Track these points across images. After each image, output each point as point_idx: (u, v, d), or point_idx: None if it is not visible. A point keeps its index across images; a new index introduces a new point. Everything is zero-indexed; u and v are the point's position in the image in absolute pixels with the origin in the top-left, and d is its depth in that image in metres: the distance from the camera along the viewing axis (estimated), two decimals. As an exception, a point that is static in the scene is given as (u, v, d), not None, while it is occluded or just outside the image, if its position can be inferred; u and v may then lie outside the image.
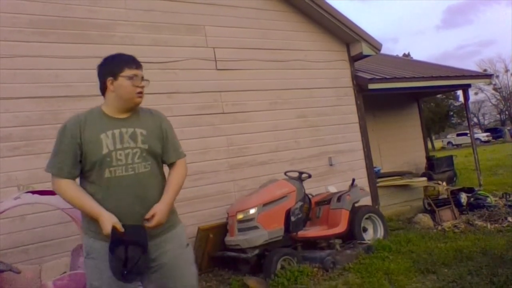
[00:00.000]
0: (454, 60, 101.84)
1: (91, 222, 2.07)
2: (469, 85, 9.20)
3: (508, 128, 43.01)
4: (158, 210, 2.07)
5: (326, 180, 6.34)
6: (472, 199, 7.09)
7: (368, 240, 5.34)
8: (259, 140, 5.88)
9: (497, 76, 46.91)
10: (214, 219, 5.16)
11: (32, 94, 4.40)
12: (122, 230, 1.98)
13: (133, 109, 2.20)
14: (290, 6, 6.45)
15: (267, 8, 6.25)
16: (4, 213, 3.45)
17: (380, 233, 5.58)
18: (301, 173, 5.20)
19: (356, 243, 5.10)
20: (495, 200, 7.17)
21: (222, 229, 4.96)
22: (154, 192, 2.16)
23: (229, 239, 4.81)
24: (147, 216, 2.07)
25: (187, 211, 4.83)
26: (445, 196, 6.90)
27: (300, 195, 4.95)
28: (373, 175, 6.99)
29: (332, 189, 5.90)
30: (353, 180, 5.80)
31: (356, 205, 5.47)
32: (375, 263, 4.48)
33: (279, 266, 4.45)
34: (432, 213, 6.68)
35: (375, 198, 6.77)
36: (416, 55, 59.87)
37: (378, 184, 7.16)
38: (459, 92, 20.16)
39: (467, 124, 10.94)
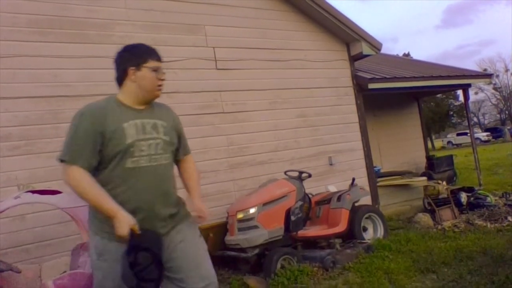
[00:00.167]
0: (454, 59, 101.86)
1: (104, 221, 1.99)
2: (469, 85, 9.20)
3: (508, 127, 43.02)
4: (203, 208, 2.18)
5: (326, 180, 6.34)
6: (472, 198, 7.09)
7: (368, 240, 5.34)
8: (259, 139, 5.88)
9: (497, 76, 46.99)
10: (214, 219, 5.15)
11: (32, 94, 4.40)
12: (139, 232, 1.91)
13: (150, 102, 2.17)
14: (290, 6, 6.44)
15: (267, 8, 6.25)
16: (4, 213, 3.45)
17: (380, 232, 5.58)
18: (301, 172, 5.20)
19: (356, 242, 5.10)
20: (495, 200, 7.17)
21: (222, 228, 4.96)
22: (171, 184, 2.16)
23: (229, 238, 4.81)
24: (196, 214, 2.16)
25: (187, 211, 4.83)
26: (445, 196, 6.90)
27: (300, 195, 4.95)
28: (373, 174, 6.99)
29: (332, 188, 5.91)
30: (353, 179, 5.81)
31: (356, 204, 5.47)
32: (375, 263, 4.48)
33: (279, 266, 4.45)
34: (432, 212, 6.69)
35: (375, 197, 6.77)
36: (416, 55, 59.91)
37: (378, 184, 7.16)
38: (459, 92, 20.13)
39: (467, 124, 10.94)
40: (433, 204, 6.76)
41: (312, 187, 5.83)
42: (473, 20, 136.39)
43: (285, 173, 5.32)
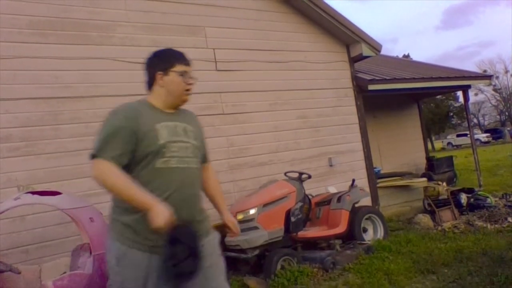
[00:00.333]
0: (454, 61, 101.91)
1: (127, 227, 1.96)
2: (469, 86, 9.22)
3: (508, 128, 43.05)
4: (235, 222, 2.35)
5: (326, 181, 6.34)
6: (472, 199, 7.09)
7: (368, 241, 5.34)
8: (259, 140, 5.89)
9: (497, 77, 47.00)
10: (214, 220, 5.15)
11: (32, 95, 4.40)
12: (176, 224, 1.85)
13: (179, 106, 2.16)
14: (290, 7, 6.46)
15: (267, 9, 6.26)
16: (4, 214, 3.46)
17: (380, 233, 5.59)
18: (301, 173, 5.20)
19: (356, 243, 5.10)
20: (495, 201, 7.18)
21: (222, 229, 4.95)
22: (199, 190, 2.16)
23: (229, 239, 4.80)
24: (230, 226, 2.31)
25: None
26: (445, 197, 6.90)
27: (300, 196, 4.96)
28: (373, 175, 7.00)
29: (332, 189, 5.91)
30: (353, 180, 5.81)
31: (356, 205, 5.47)
32: (375, 264, 4.48)
33: (279, 267, 4.45)
34: (432, 213, 6.69)
35: (375, 198, 6.77)
36: (416, 56, 60.01)
37: (378, 185, 7.16)
38: (459, 93, 20.16)
39: (467, 125, 10.95)
40: (433, 205, 6.77)
41: (312, 188, 5.83)
42: (473, 21, 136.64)
43: (285, 174, 5.32)
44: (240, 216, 4.70)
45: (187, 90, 2.11)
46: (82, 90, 4.66)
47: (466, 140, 31.45)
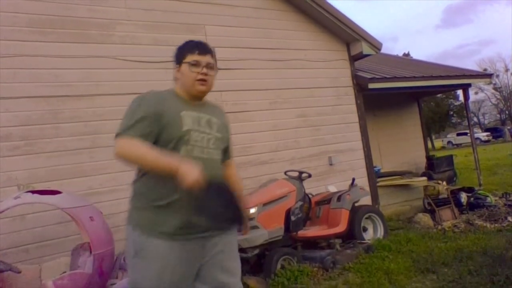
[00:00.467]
0: (454, 59, 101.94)
1: (145, 215, 1.95)
2: (469, 85, 9.20)
3: (508, 127, 43.00)
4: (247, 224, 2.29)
5: (326, 180, 6.34)
6: (472, 198, 7.10)
7: (368, 240, 5.34)
8: (259, 139, 5.88)
9: (497, 76, 47.00)
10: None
11: (32, 94, 4.39)
12: (207, 181, 1.80)
13: (199, 98, 2.12)
14: (290, 6, 6.44)
15: (267, 8, 6.25)
16: (4, 213, 3.46)
17: (380, 232, 5.59)
18: (301, 172, 5.20)
19: (356, 242, 5.10)
20: (495, 200, 7.18)
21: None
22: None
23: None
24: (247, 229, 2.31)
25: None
26: (445, 196, 6.91)
27: (300, 195, 4.95)
28: (373, 174, 6.99)
29: (332, 188, 5.91)
30: (353, 179, 5.81)
31: (356, 204, 5.47)
32: (375, 263, 4.48)
33: (279, 266, 4.45)
34: (432, 212, 6.69)
35: (375, 197, 6.77)
36: (416, 55, 59.92)
37: (378, 184, 7.16)
38: (459, 92, 20.10)
39: (467, 124, 10.93)
40: (433, 204, 6.77)
41: (312, 187, 5.83)
42: (473, 19, 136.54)
43: (285, 173, 5.32)
44: (240, 215, 4.69)
45: (199, 80, 2.04)
46: (82, 88, 4.65)
47: (466, 139, 31.47)
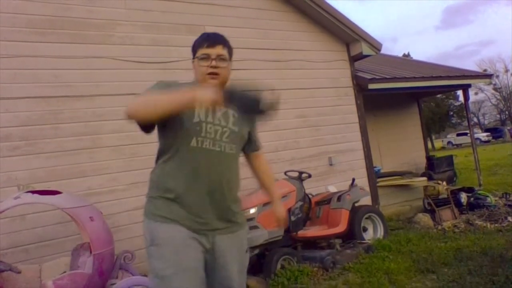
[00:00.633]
0: (454, 60, 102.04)
1: (156, 204, 1.93)
2: (469, 85, 9.20)
3: (508, 128, 43.00)
4: (281, 212, 2.25)
5: (326, 180, 6.34)
6: (472, 198, 7.10)
7: (368, 240, 5.34)
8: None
9: (497, 76, 46.99)
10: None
11: (32, 94, 4.40)
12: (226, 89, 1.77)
13: None
14: (290, 6, 6.44)
15: (267, 8, 6.25)
16: (4, 213, 3.46)
17: (380, 232, 5.59)
18: (301, 172, 5.20)
19: (356, 242, 5.10)
20: (495, 200, 7.18)
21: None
22: (235, 177, 2.07)
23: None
24: (278, 222, 2.25)
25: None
26: (445, 196, 6.91)
27: (300, 195, 4.95)
28: (373, 174, 6.99)
29: (332, 188, 5.91)
30: (353, 179, 5.81)
31: (356, 204, 5.47)
32: (375, 263, 4.48)
33: (279, 266, 4.45)
34: (432, 212, 6.69)
35: (375, 197, 6.77)
36: (416, 55, 59.96)
37: (378, 184, 7.16)
38: (459, 92, 20.12)
39: (467, 124, 10.93)
40: (433, 205, 6.77)
41: (312, 187, 5.83)
42: (473, 20, 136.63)
43: (285, 173, 5.32)
44: (240, 216, 4.69)
45: (209, 74, 1.97)
46: (82, 89, 4.65)
47: (466, 139, 31.48)
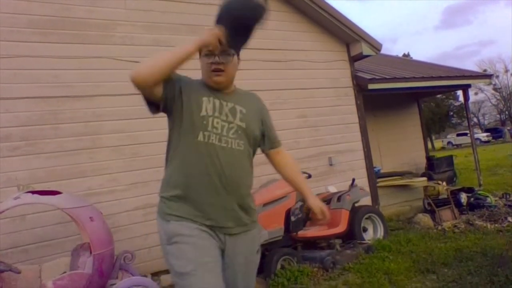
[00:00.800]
0: (454, 60, 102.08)
1: (167, 203, 1.93)
2: (469, 85, 9.20)
3: (508, 128, 42.99)
4: (320, 205, 2.11)
5: (326, 180, 6.34)
6: (472, 199, 7.10)
7: (368, 240, 5.34)
8: (259, 140, 5.87)
9: (497, 76, 47.00)
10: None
11: (32, 94, 4.40)
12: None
13: (220, 88, 2.01)
14: (290, 6, 6.45)
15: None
16: (4, 213, 3.46)
17: (380, 233, 5.59)
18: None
19: (356, 243, 5.10)
20: (495, 200, 7.18)
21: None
22: (245, 175, 2.02)
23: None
24: (320, 216, 2.09)
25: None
26: (445, 196, 6.91)
27: (300, 195, 4.95)
28: (373, 175, 6.99)
29: (332, 189, 5.91)
30: (353, 180, 5.81)
31: (356, 205, 5.47)
32: (375, 263, 4.48)
33: (279, 266, 4.45)
34: (432, 213, 6.69)
35: (375, 198, 6.77)
36: (415, 55, 60.01)
37: (378, 184, 7.16)
38: (459, 92, 20.15)
39: (467, 124, 10.93)
40: (433, 205, 6.77)
41: (312, 188, 5.75)
42: (472, 20, 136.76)
43: (285, 173, 5.31)
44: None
45: (213, 70, 1.95)
46: (82, 89, 4.66)
47: (466, 140, 31.48)
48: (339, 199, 5.27)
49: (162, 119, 2.08)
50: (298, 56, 6.42)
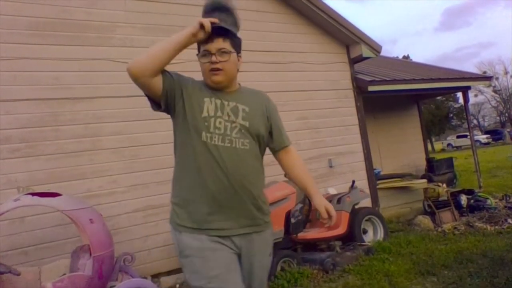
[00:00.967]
0: (453, 62, 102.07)
1: (175, 211, 1.91)
2: (468, 87, 9.22)
3: (508, 130, 43.03)
4: (325, 205, 1.96)
5: (326, 182, 6.34)
6: (472, 201, 7.09)
7: (368, 242, 5.34)
8: (259, 142, 5.87)
9: (497, 78, 47.00)
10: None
11: (32, 96, 4.40)
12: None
13: (221, 88, 1.98)
14: (290, 8, 6.46)
15: (266, 10, 6.26)
16: (4, 215, 3.45)
17: (380, 235, 5.58)
18: (301, 175, 5.18)
19: (356, 245, 5.10)
20: (495, 202, 7.17)
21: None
22: (253, 174, 1.96)
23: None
24: (325, 216, 1.96)
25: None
26: (445, 198, 6.91)
27: (300, 197, 4.95)
28: (373, 177, 6.99)
29: (332, 191, 5.91)
30: (353, 182, 5.81)
31: (356, 207, 5.47)
32: (375, 265, 4.47)
33: (279, 268, 4.45)
34: (432, 215, 6.68)
35: (375, 200, 6.77)
36: (415, 57, 60.08)
37: (378, 186, 7.16)
38: (459, 94, 20.14)
39: (467, 126, 10.95)
40: (433, 207, 6.76)
41: (312, 190, 5.81)
42: (472, 22, 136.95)
43: (285, 175, 5.30)
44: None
45: (211, 70, 1.91)
46: (82, 91, 4.66)
47: (466, 141, 31.55)
48: (339, 201, 5.27)
49: (162, 121, 2.09)
50: (298, 58, 6.43)
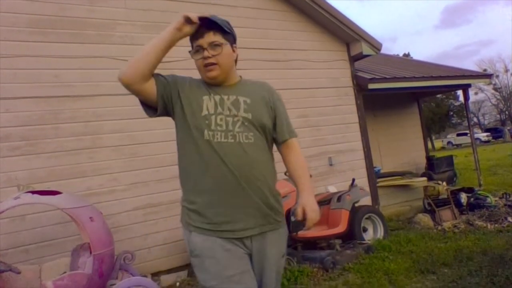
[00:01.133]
0: (453, 60, 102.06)
1: (184, 211, 1.89)
2: (469, 85, 9.20)
3: (508, 128, 43.00)
4: (309, 205, 1.90)
5: (326, 180, 6.34)
6: (472, 199, 7.09)
7: (368, 240, 5.34)
8: (259, 140, 5.87)
9: (497, 76, 46.99)
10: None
11: (32, 94, 4.40)
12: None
13: (219, 83, 1.93)
14: (290, 6, 6.44)
15: (267, 8, 6.25)
16: (4, 213, 3.45)
17: (380, 233, 5.59)
18: (301, 173, 5.18)
19: (356, 243, 5.10)
20: (495, 200, 7.17)
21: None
22: (262, 169, 1.91)
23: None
24: (299, 216, 1.89)
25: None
26: (445, 196, 6.90)
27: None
28: (373, 175, 6.99)
29: (332, 189, 5.90)
30: (353, 180, 5.80)
31: (356, 205, 5.47)
32: (375, 263, 4.48)
33: (279, 266, 4.44)
34: (432, 213, 6.68)
35: (375, 198, 6.77)
36: (415, 55, 59.96)
37: (378, 184, 7.16)
38: (459, 92, 20.14)
39: (467, 124, 10.93)
40: (433, 205, 6.76)
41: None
42: (472, 20, 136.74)
43: (285, 173, 5.30)
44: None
45: (205, 66, 1.87)
46: (82, 89, 4.65)
47: (466, 139, 31.50)
48: (339, 199, 5.26)
49: (162, 119, 2.07)
50: (298, 56, 6.42)
